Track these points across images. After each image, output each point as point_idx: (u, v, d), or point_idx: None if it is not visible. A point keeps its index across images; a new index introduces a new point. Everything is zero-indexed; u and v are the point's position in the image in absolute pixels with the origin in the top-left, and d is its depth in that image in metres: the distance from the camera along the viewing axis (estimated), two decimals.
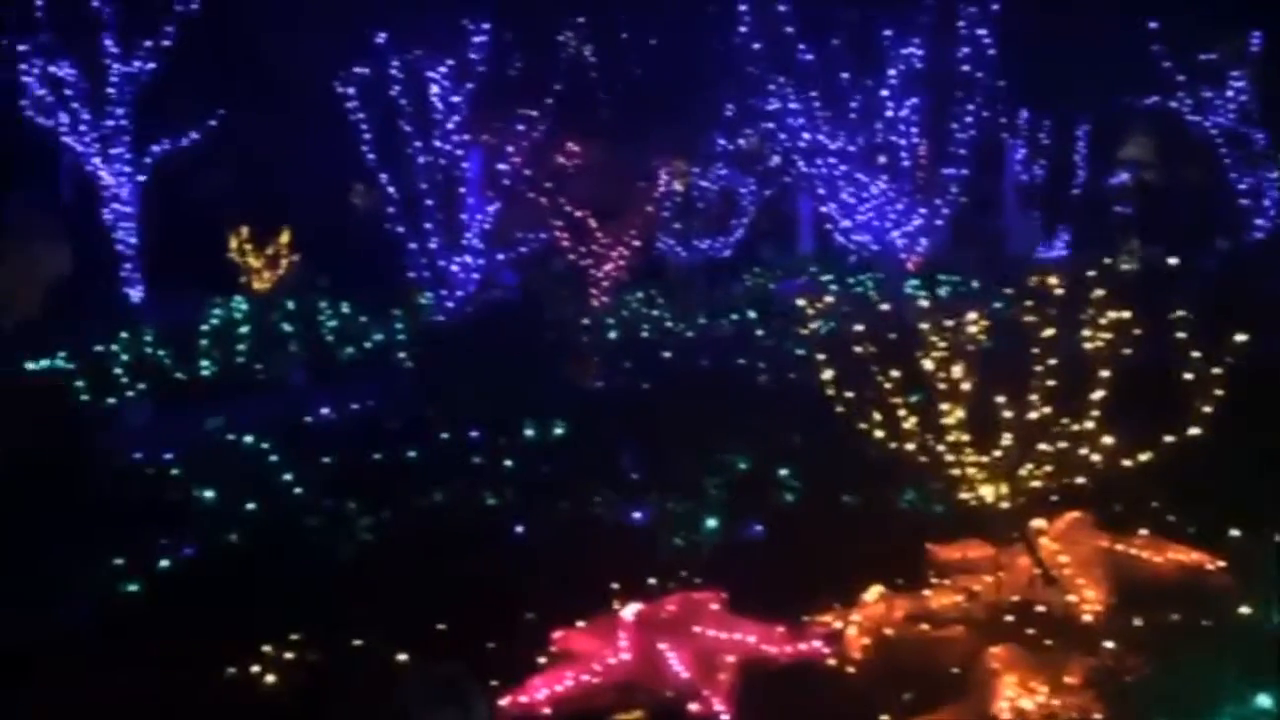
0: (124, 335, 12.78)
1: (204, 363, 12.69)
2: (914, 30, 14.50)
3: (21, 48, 14.23)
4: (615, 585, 5.88)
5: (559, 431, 8.83)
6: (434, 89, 14.04)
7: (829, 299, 7.27)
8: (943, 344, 5.61)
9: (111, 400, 10.97)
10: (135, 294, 14.95)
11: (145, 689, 5.11)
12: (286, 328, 14.04)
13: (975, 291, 11.51)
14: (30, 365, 11.56)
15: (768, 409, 8.88)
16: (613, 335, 13.63)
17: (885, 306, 6.29)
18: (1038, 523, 5.69)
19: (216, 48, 16.08)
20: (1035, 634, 5.15)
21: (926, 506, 6.75)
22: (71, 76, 14.52)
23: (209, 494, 7.28)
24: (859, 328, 6.08)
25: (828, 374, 6.07)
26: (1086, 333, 5.64)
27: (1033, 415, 5.50)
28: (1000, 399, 5.50)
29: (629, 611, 5.42)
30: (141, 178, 15.17)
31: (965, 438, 5.56)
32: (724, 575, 6.00)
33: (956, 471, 5.65)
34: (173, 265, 15.08)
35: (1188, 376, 5.38)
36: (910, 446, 5.75)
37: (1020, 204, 18.51)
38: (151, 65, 14.85)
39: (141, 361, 12.32)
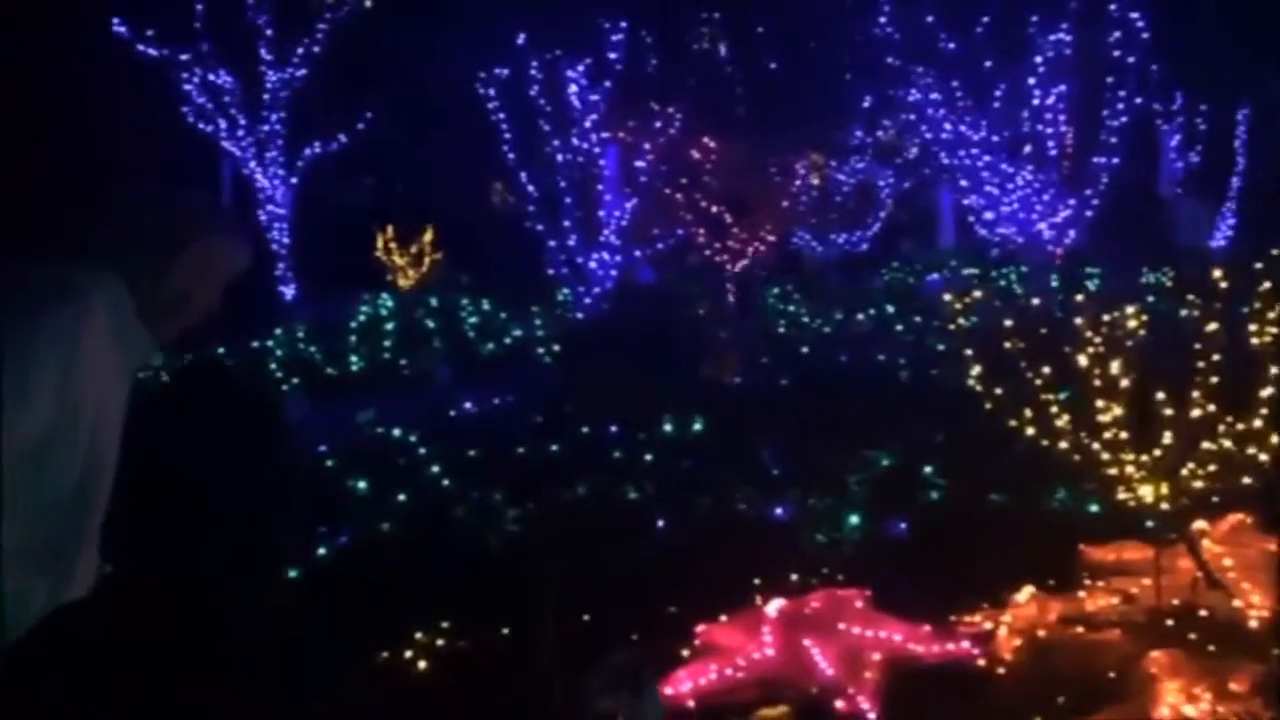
0: (278, 332, 13.32)
1: (353, 358, 13.13)
2: (1062, 15, 14.05)
3: (183, 57, 14.94)
4: (758, 581, 5.87)
5: (698, 427, 8.87)
6: (572, 88, 14.22)
7: (977, 293, 7.11)
8: (1099, 339, 5.44)
9: None
10: (288, 292, 15.57)
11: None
12: (430, 324, 14.42)
13: (1134, 284, 11.09)
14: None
15: (909, 405, 8.75)
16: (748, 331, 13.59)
17: (1036, 300, 6.13)
18: (1200, 524, 5.47)
19: (364, 53, 16.59)
20: (1198, 639, 4.96)
21: (1080, 506, 6.55)
22: (229, 84, 15.19)
23: (361, 485, 7.52)
24: (1008, 322, 5.94)
25: (976, 370, 5.94)
26: (1253, 327, 5.40)
27: (1195, 413, 5.29)
28: (1160, 396, 5.30)
29: (773, 607, 5.40)
30: (294, 180, 15.79)
31: (1123, 436, 5.37)
32: (867, 573, 5.93)
33: (1113, 471, 5.46)
34: (323, 264, 15.65)
35: None
36: (1063, 444, 5.58)
37: (1184, 193, 17.72)
38: (303, 72, 15.43)
39: (295, 357, 12.82)
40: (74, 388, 2.34)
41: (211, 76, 15.12)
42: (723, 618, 5.53)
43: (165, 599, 1.77)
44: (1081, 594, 5.53)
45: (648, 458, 8.12)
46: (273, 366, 12.30)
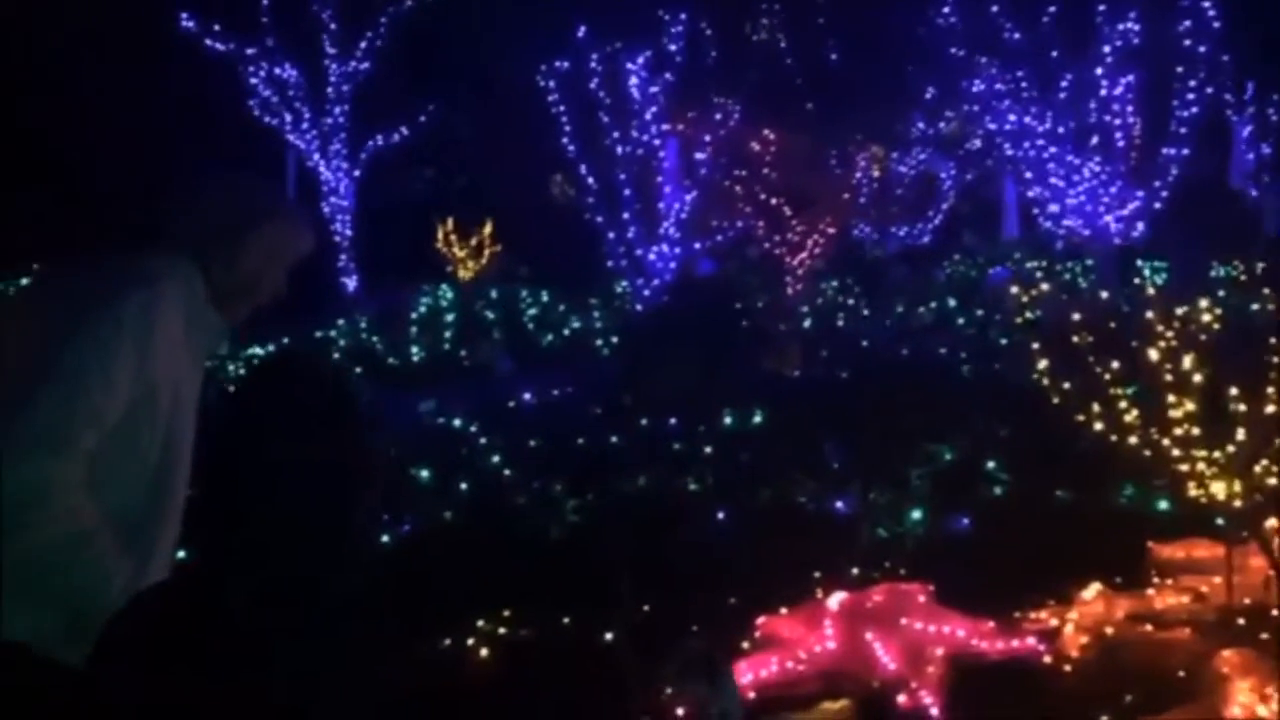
0: (341, 323, 13.49)
1: (414, 349, 13.26)
2: (1131, 3, 13.80)
3: (249, 51, 15.17)
4: (818, 574, 5.84)
5: (757, 420, 8.83)
6: (632, 80, 14.23)
7: (1044, 287, 7.02)
8: (1170, 333, 5.34)
9: None
10: (350, 283, 15.76)
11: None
12: (490, 315, 14.52)
13: (1204, 277, 10.85)
14: (256, 350, 12.34)
15: (972, 399, 8.64)
16: (807, 324, 13.52)
17: (1104, 294, 6.03)
18: (1273, 522, 5.36)
19: (425, 46, 16.75)
20: (1271, 639, 4.85)
21: (1148, 503, 6.44)
22: (294, 78, 15.40)
23: (424, 474, 7.59)
24: (1075, 316, 5.86)
25: (1042, 364, 5.86)
26: None
27: (1270, 409, 5.18)
28: (1234, 391, 5.19)
29: (834, 600, 5.38)
30: (356, 173, 15.98)
31: (1195, 432, 5.27)
32: (930, 568, 5.87)
33: (1184, 467, 5.36)
34: (384, 256, 15.83)
35: None
36: (1132, 440, 5.49)
37: (1266, 183, 17.26)
38: (366, 65, 15.61)
39: (357, 347, 12.98)
40: (150, 370, 2.42)
41: (277, 70, 15.33)
42: (783, 610, 5.51)
43: (233, 591, 1.81)
44: (1150, 591, 5.45)
45: (707, 450, 8.11)
46: (336, 356, 12.45)
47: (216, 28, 14.96)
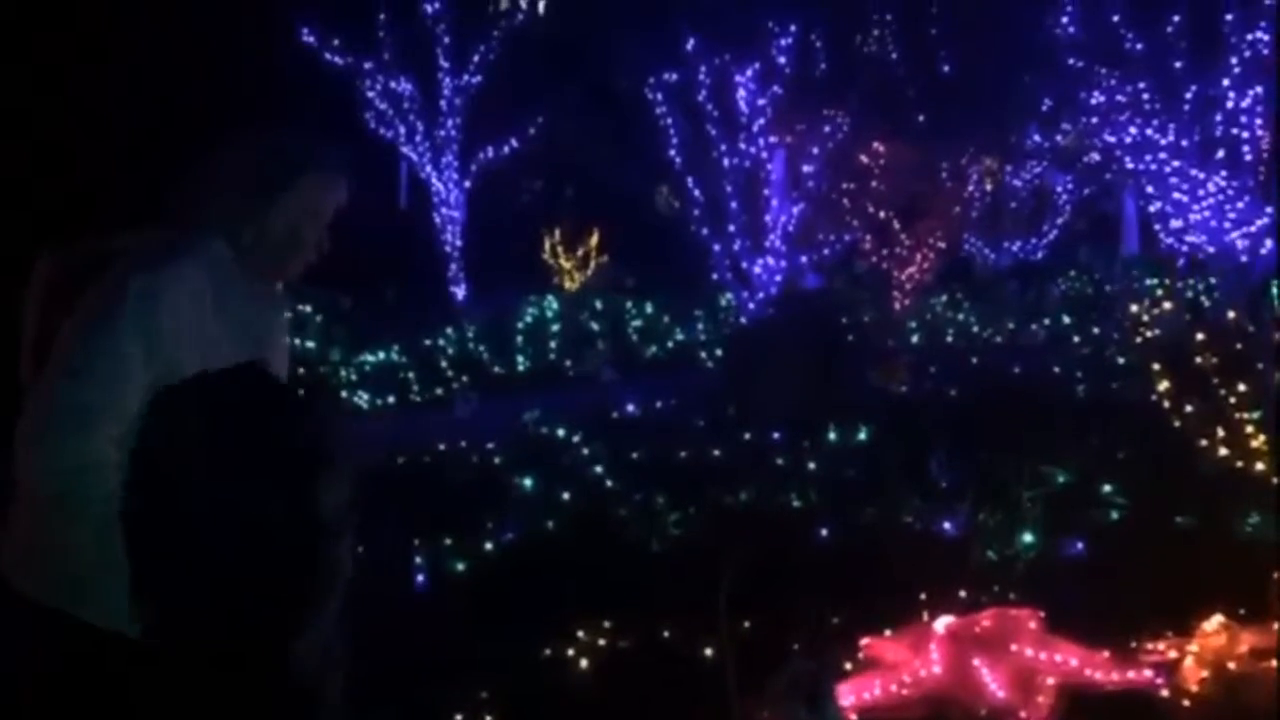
0: (449, 331, 13.71)
1: (519, 358, 13.41)
2: (1260, 13, 13.29)
3: (367, 65, 15.54)
4: (924, 596, 5.71)
5: (863, 436, 8.71)
6: (740, 92, 14.19)
7: (1167, 305, 6.78)
8: None
9: (439, 391, 11.80)
10: (459, 292, 16.02)
11: (468, 655, 5.43)
12: (594, 326, 14.60)
13: None
14: (368, 357, 12.61)
15: (1088, 420, 8.39)
16: (915, 339, 13.31)
17: (1231, 314, 5.81)
18: None
19: (535, 60, 16.95)
20: None
21: (1275, 532, 6.15)
22: (408, 91, 15.72)
23: (527, 483, 7.65)
24: (1200, 336, 5.65)
25: (1163, 385, 5.66)
26: None
27: None
28: None
29: (941, 624, 5.25)
30: (467, 184, 16.24)
31: None
32: (1041, 593, 5.69)
33: None
34: (493, 265, 16.06)
35: None
36: (1260, 467, 5.26)
37: None
38: (479, 78, 15.86)
39: (464, 356, 13.18)
40: (167, 351, 2.49)
41: (392, 84, 15.67)
42: (888, 632, 5.40)
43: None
44: (1276, 625, 5.20)
45: (811, 465, 8.02)
46: (443, 364, 12.66)
47: (336, 42, 15.36)
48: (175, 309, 2.50)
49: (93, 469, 2.40)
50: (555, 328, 14.35)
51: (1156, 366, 5.73)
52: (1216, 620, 5.15)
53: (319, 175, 2.74)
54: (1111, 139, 14.48)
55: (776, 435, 8.64)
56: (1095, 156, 16.38)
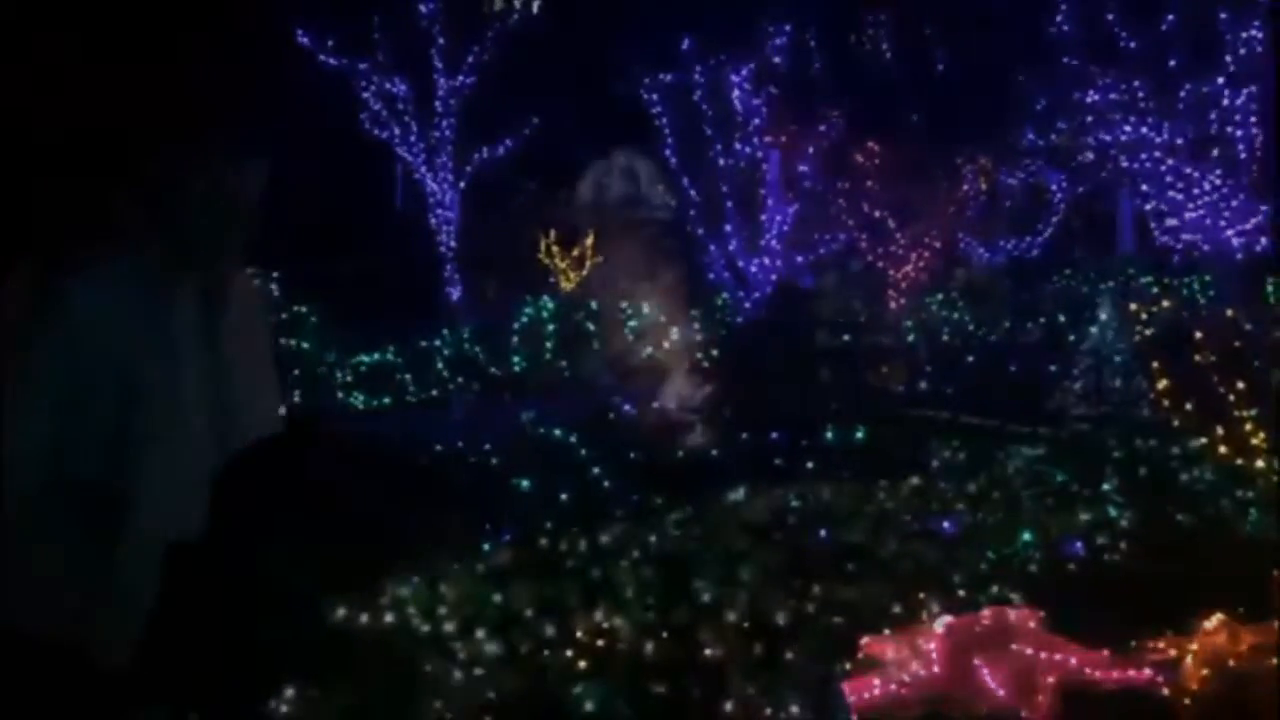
0: (445, 332, 13.67)
1: (515, 359, 13.37)
2: (1254, 12, 13.31)
3: (361, 66, 15.50)
4: (923, 595, 5.70)
5: (859, 435, 8.70)
6: (735, 92, 14.18)
7: (1165, 304, 6.78)
8: None
9: (434, 392, 11.77)
10: (455, 293, 15.99)
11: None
12: (590, 327, 14.55)
13: None
14: (364, 358, 12.57)
15: (1084, 418, 8.41)
16: (911, 339, 13.30)
17: (1229, 312, 5.80)
18: None
19: (530, 61, 16.92)
20: None
21: (1276, 530, 6.15)
22: (403, 92, 15.69)
23: (525, 483, 7.62)
24: (1197, 334, 5.64)
25: (1161, 383, 5.65)
26: None
27: None
28: None
29: (941, 623, 5.24)
30: (462, 185, 16.21)
31: None
32: (1040, 592, 5.69)
33: None
34: (488, 266, 16.02)
35: None
36: (1259, 464, 5.26)
37: None
38: (473, 79, 15.83)
39: (460, 357, 13.14)
40: (84, 365, 2.85)
41: (387, 85, 15.63)
42: (887, 631, 5.39)
43: None
44: (1276, 623, 5.19)
45: (809, 465, 8.01)
46: (439, 366, 12.63)
47: (331, 43, 15.31)
48: (105, 325, 3.09)
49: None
50: (551, 329, 14.29)
51: (1155, 365, 5.73)
52: (1217, 619, 5.15)
53: (222, 174, 3.20)
54: (1106, 138, 14.49)
55: (774, 435, 8.63)
56: (1089, 155, 16.36)
